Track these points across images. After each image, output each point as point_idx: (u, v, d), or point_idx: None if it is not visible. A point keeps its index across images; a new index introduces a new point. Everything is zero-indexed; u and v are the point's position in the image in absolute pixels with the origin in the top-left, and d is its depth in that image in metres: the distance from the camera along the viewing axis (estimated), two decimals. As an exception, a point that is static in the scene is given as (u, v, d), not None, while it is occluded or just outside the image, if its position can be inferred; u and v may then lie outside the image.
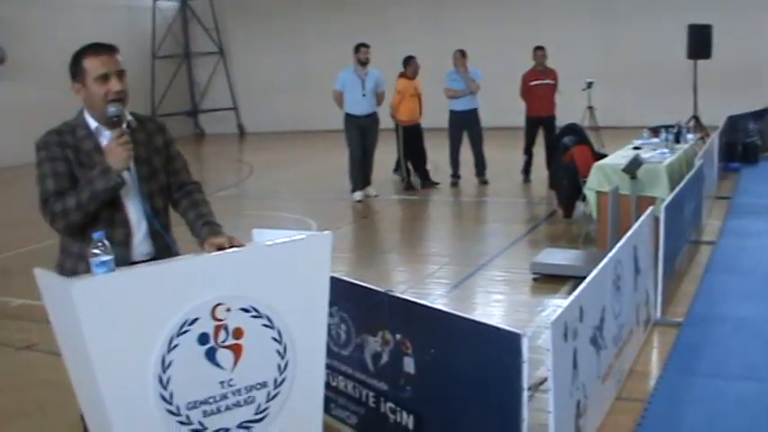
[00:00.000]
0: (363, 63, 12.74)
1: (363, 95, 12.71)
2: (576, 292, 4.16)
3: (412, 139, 13.59)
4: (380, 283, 7.93)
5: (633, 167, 7.77)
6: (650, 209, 6.56)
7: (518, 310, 7.31)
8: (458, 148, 13.82)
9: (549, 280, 7.84)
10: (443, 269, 8.78)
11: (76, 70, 3.63)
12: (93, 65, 3.58)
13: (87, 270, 3.36)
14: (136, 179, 3.64)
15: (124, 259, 3.56)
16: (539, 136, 13.54)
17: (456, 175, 13.81)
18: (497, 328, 3.67)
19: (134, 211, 3.68)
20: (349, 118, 12.82)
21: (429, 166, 14.09)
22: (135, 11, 25.51)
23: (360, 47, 12.79)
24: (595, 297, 4.55)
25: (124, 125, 3.58)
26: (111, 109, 3.55)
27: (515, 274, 8.31)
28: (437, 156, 14.47)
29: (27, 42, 21.27)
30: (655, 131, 10.53)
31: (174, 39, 26.46)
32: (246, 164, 19.39)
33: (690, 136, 10.96)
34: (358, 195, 12.84)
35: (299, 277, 3.19)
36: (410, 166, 13.78)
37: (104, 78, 3.58)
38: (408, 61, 13.69)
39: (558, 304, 6.96)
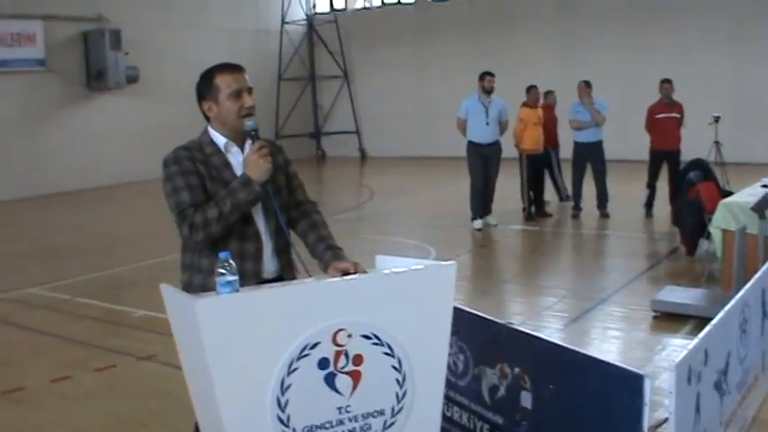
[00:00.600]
0: (488, 91, 12.66)
1: (487, 124, 12.64)
2: (701, 335, 4.04)
3: (536, 168, 13.48)
4: (497, 313, 7.87)
5: (762, 206, 7.53)
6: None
7: (637, 348, 7.15)
8: (581, 180, 13.64)
9: (670, 318, 7.65)
10: (561, 302, 8.66)
11: (208, 88, 3.71)
12: (226, 82, 3.66)
13: None
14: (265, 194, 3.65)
15: (256, 273, 3.63)
16: (662, 170, 13.28)
17: (577, 207, 13.63)
18: (620, 368, 3.58)
19: (262, 227, 3.71)
20: (472, 146, 12.77)
21: (547, 197, 13.98)
22: (263, 33, 26.10)
23: (485, 75, 12.73)
24: (721, 340, 4.40)
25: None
26: (249, 123, 3.64)
27: (635, 310, 8.14)
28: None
29: (159, 62, 21.97)
30: (787, 169, 10.22)
31: (300, 62, 26.92)
32: (366, 188, 19.54)
33: (826, 175, 10.60)
34: (477, 224, 12.78)
35: (422, 306, 3.15)
36: (532, 196, 13.65)
37: (237, 94, 3.66)
38: (529, 90, 13.62)
39: (679, 344, 6.85)
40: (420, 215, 15.04)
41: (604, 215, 13.44)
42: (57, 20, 20.62)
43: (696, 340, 3.95)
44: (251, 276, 3.59)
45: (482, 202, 12.87)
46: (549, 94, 14.30)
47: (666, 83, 13.38)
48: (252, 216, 3.66)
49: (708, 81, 19.93)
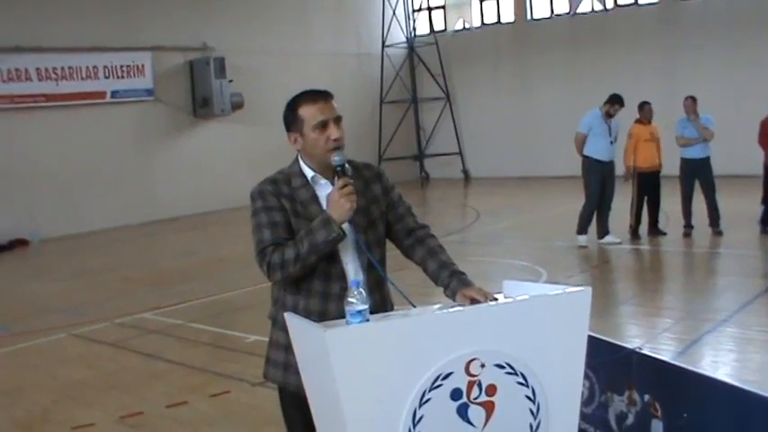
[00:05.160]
0: (611, 116, 12.64)
1: (611, 143, 12.66)
2: None
3: (648, 185, 13.23)
4: (614, 335, 7.69)
5: None
6: None
7: (765, 372, 6.90)
8: (690, 198, 13.26)
9: (797, 340, 7.39)
10: (679, 324, 8.42)
11: (292, 119, 3.58)
12: (310, 112, 3.51)
13: None
14: (352, 230, 3.50)
15: (342, 314, 3.33)
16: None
17: (689, 225, 13.26)
18: (764, 397, 3.43)
19: (351, 264, 3.55)
20: (593, 162, 12.66)
21: (660, 215, 13.64)
22: (364, 57, 26.31)
23: (615, 103, 12.64)
24: None
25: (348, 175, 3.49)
26: (336, 158, 3.46)
27: (758, 332, 7.88)
28: (667, 204, 13.91)
29: (263, 89, 22.28)
30: None
31: (402, 84, 26.96)
32: (472, 209, 19.39)
33: None
34: (583, 240, 12.67)
35: (557, 334, 3.05)
36: (642, 214, 13.35)
37: (323, 126, 3.50)
38: (642, 107, 13.36)
39: None
40: (528, 236, 14.88)
41: (717, 233, 13.06)
42: (164, 50, 21.15)
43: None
44: (336, 317, 3.38)
45: (592, 218, 12.79)
46: None
47: (780, 94, 13.01)
48: (338, 254, 3.51)
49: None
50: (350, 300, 2.94)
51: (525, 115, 25.28)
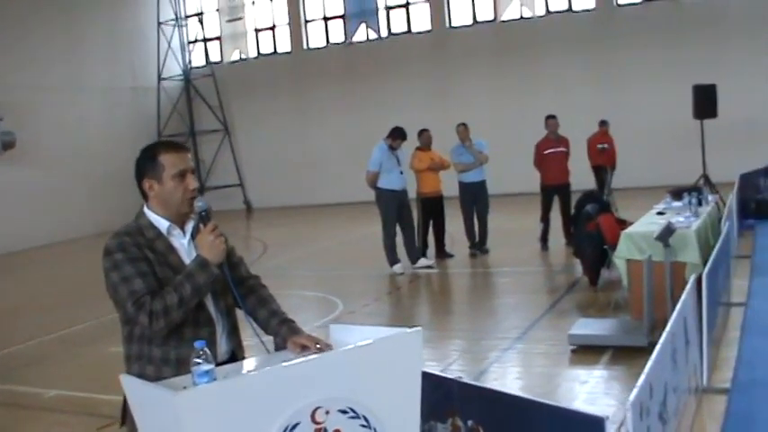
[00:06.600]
0: (395, 149, 12.92)
1: (401, 173, 12.95)
2: (646, 370, 4.16)
3: (432, 210, 13.62)
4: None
5: (666, 235, 7.77)
6: (693, 277, 6.54)
7: (563, 384, 7.24)
8: (472, 219, 13.83)
9: (587, 350, 7.76)
10: (477, 345, 8.70)
11: (151, 166, 3.58)
12: (170, 161, 3.56)
13: (172, 374, 3.37)
14: (226, 271, 3.59)
15: (213, 357, 3.39)
16: (554, 203, 13.58)
17: (474, 246, 13.81)
18: (579, 413, 3.66)
19: (212, 309, 3.61)
20: (388, 193, 12.90)
21: (446, 238, 14.08)
22: (140, 91, 25.89)
23: (398, 138, 12.96)
24: (659, 373, 4.54)
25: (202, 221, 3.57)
26: (200, 203, 3.57)
27: (552, 345, 8.23)
28: (451, 226, 14.35)
29: (36, 126, 21.50)
30: (676, 195, 10.59)
31: (180, 117, 26.75)
32: (258, 241, 19.35)
33: (710, 197, 11.04)
34: (398, 268, 12.91)
35: (393, 375, 3.18)
36: (428, 239, 13.75)
37: (182, 175, 3.57)
38: (420, 134, 13.76)
39: (600, 376, 7.08)
40: (317, 266, 15.05)
41: (485, 251, 13.85)
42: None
43: (642, 377, 4.06)
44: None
45: (395, 247, 13.05)
46: (603, 123, 16.23)
47: (551, 118, 13.72)
48: (203, 300, 3.55)
49: (583, 114, 20.00)
50: (196, 360, 2.95)
51: (304, 144, 25.64)
